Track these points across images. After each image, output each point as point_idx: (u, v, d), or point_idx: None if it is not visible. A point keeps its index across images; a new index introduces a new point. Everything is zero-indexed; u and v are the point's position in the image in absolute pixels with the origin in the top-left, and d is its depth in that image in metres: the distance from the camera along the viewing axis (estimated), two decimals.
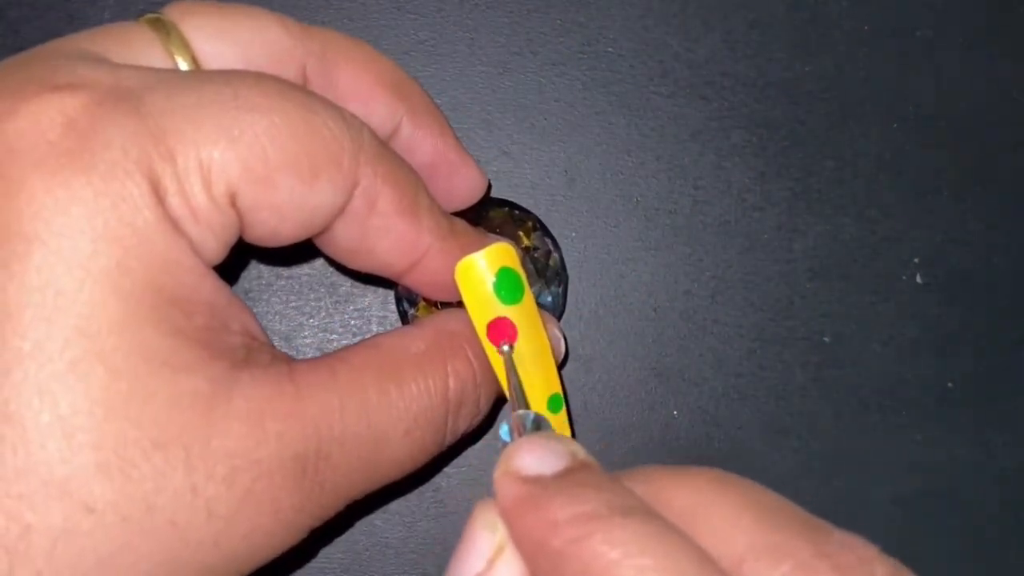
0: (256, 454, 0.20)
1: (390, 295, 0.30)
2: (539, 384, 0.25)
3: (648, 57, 0.31)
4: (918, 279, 0.31)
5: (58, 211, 0.18)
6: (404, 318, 0.29)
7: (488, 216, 0.28)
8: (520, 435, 0.21)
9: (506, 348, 0.24)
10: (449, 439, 0.24)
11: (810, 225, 0.31)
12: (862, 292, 0.31)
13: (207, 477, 0.19)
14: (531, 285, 0.25)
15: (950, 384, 0.31)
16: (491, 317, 0.24)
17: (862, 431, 0.30)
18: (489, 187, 0.27)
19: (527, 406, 0.23)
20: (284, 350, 0.29)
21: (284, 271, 0.30)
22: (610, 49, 0.31)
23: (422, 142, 0.25)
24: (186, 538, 0.19)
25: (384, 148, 0.23)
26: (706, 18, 0.31)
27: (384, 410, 0.22)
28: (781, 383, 0.30)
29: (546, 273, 0.29)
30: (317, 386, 0.21)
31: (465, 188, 0.27)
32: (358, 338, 0.30)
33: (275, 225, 0.21)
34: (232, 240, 0.21)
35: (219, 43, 0.23)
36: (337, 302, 0.30)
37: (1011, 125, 0.31)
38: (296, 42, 0.23)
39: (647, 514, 0.17)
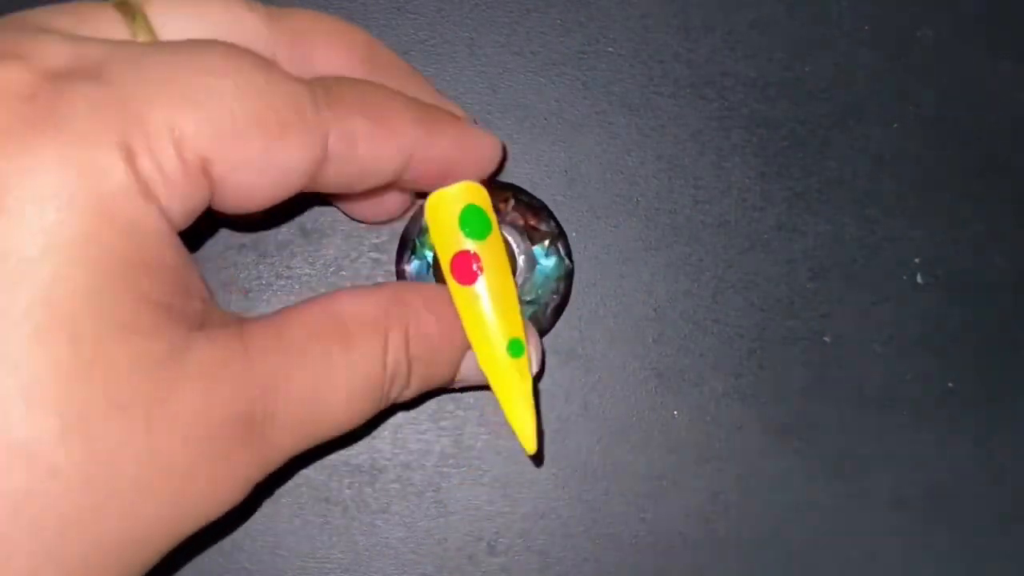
0: (209, 412, 0.20)
1: None
2: (501, 326, 0.25)
3: (648, 57, 0.31)
4: (918, 279, 0.31)
5: (22, 180, 0.18)
6: None
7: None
8: None
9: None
10: (383, 405, 0.24)
11: (810, 225, 0.31)
12: (862, 292, 0.31)
13: (166, 436, 0.20)
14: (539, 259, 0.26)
15: (950, 384, 0.31)
16: (455, 250, 0.24)
17: (862, 431, 0.30)
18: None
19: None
20: None
21: (284, 271, 0.30)
22: (610, 49, 0.31)
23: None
24: (146, 496, 0.20)
25: (339, 83, 0.23)
26: (706, 18, 0.31)
27: (327, 372, 0.23)
28: (781, 383, 0.30)
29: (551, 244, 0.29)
30: (265, 347, 0.22)
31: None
32: None
33: (250, 185, 0.21)
34: (200, 206, 0.21)
35: (185, 28, 0.23)
36: None
37: (1011, 125, 0.31)
38: (265, 27, 0.24)
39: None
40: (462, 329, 0.25)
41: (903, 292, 0.31)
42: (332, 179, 0.23)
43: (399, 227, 0.29)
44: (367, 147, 0.23)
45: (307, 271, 0.30)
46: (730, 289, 0.30)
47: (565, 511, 0.30)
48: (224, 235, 0.30)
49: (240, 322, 0.22)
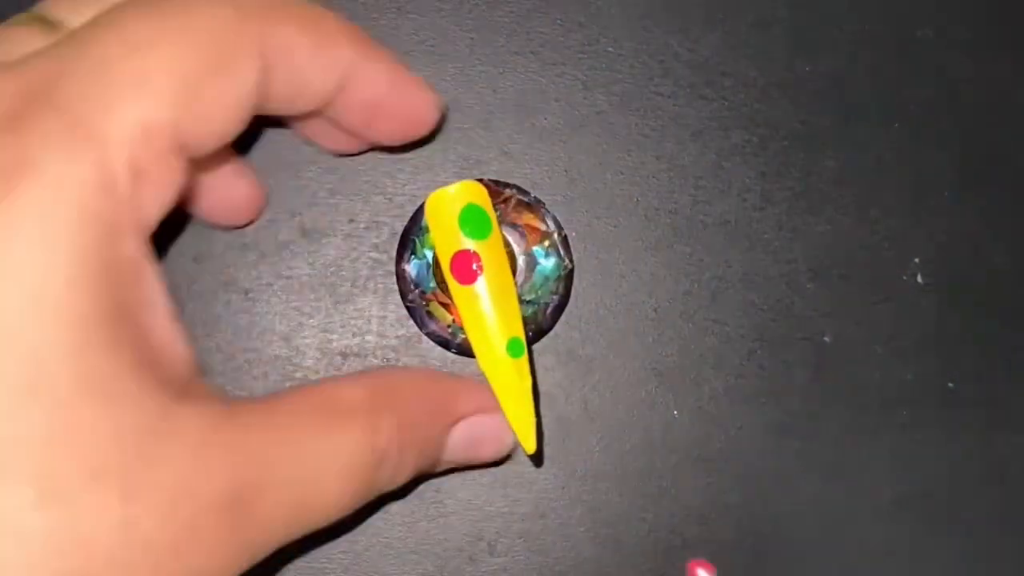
0: (194, 486, 0.19)
1: (390, 295, 0.30)
2: (501, 325, 0.25)
3: (648, 57, 0.31)
4: (918, 279, 0.31)
5: (4, 238, 0.18)
6: (412, 313, 0.29)
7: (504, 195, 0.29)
8: None
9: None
10: (374, 493, 0.24)
11: (810, 225, 0.31)
12: (862, 292, 0.31)
13: (145, 509, 0.19)
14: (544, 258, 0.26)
15: (950, 384, 0.31)
16: (455, 250, 0.24)
17: (862, 431, 0.30)
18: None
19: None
20: (284, 350, 0.30)
21: (284, 271, 0.30)
22: (610, 49, 0.31)
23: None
24: (122, 571, 0.19)
25: (273, 2, 0.23)
26: (706, 18, 0.31)
27: (317, 453, 0.22)
28: (781, 383, 0.30)
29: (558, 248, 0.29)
30: (256, 423, 0.21)
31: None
32: (358, 338, 0.30)
33: (215, 129, 0.21)
34: (183, 177, 0.21)
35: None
36: (337, 302, 0.30)
37: (1011, 125, 0.31)
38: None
39: None
40: (448, 408, 0.25)
41: (903, 292, 0.31)
42: (276, 93, 0.23)
43: (399, 227, 0.29)
44: (304, 56, 0.23)
45: (307, 271, 0.30)
46: (730, 289, 0.30)
47: (565, 511, 0.30)
48: (224, 235, 0.30)
49: (225, 396, 0.22)
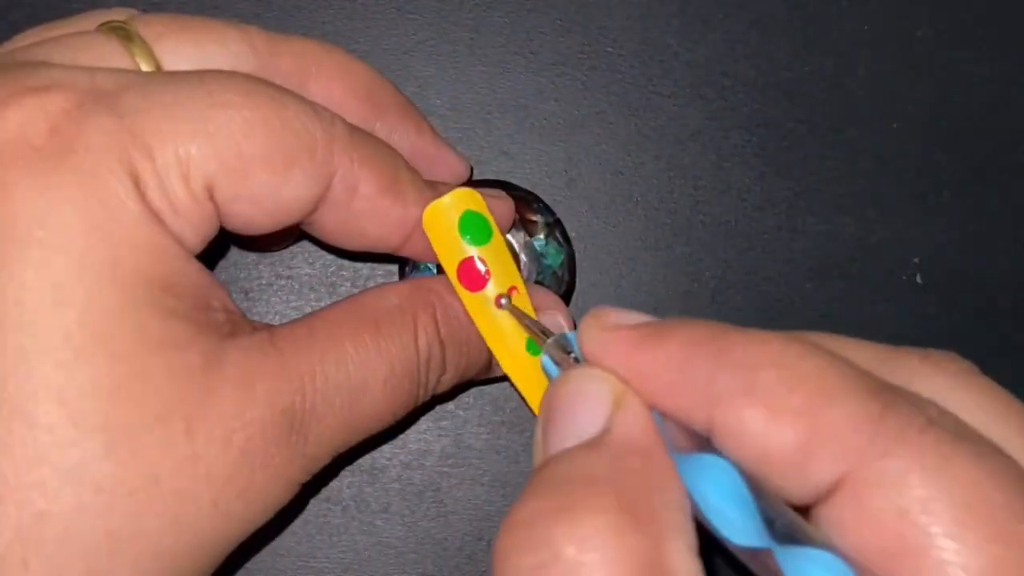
0: (248, 415, 0.21)
1: None
2: (514, 328, 0.25)
3: (648, 57, 0.31)
4: (918, 279, 0.31)
5: (51, 212, 0.19)
6: None
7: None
8: (566, 354, 0.21)
9: (504, 301, 0.25)
10: (422, 394, 0.25)
11: (810, 225, 0.31)
12: (862, 292, 0.31)
13: (206, 442, 0.20)
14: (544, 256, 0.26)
15: None
16: (460, 259, 0.25)
17: None
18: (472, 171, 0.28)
19: (547, 332, 0.23)
20: None
21: (284, 271, 0.30)
22: (610, 49, 0.31)
23: (399, 143, 0.26)
24: (188, 502, 0.20)
25: (358, 134, 0.23)
26: (706, 18, 0.31)
27: (361, 360, 0.23)
28: None
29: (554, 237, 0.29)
30: (297, 345, 0.22)
31: (447, 177, 0.27)
32: None
33: (252, 215, 0.22)
34: (212, 232, 0.22)
35: (181, 57, 0.23)
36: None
37: (1011, 125, 0.31)
38: (261, 62, 0.24)
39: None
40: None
41: (903, 292, 0.31)
42: (327, 222, 0.24)
43: None
44: (367, 203, 0.23)
45: (307, 271, 0.30)
46: (730, 289, 0.30)
47: None
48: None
49: (270, 327, 0.23)
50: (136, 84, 0.21)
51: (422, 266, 0.28)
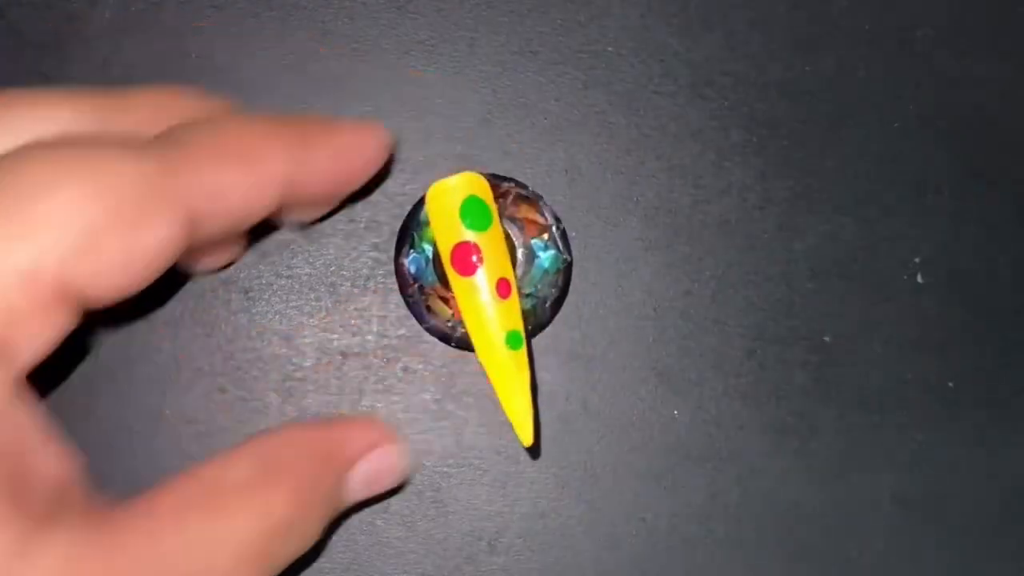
0: None
1: (390, 295, 0.30)
2: (500, 317, 0.25)
3: (648, 57, 0.31)
4: (918, 279, 0.31)
5: None
6: (411, 307, 0.29)
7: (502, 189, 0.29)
8: None
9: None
10: (279, 564, 0.23)
11: (810, 225, 0.31)
12: (862, 292, 0.31)
13: None
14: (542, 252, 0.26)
15: (950, 384, 0.31)
16: (455, 241, 0.24)
17: (862, 431, 0.30)
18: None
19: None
20: (284, 350, 0.29)
21: (284, 271, 0.30)
22: (610, 49, 0.31)
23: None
24: None
25: (192, 133, 0.22)
26: (706, 18, 0.31)
27: (206, 541, 0.21)
28: (781, 383, 0.30)
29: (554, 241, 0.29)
30: (135, 530, 0.20)
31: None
32: (358, 338, 0.30)
33: (116, 283, 0.21)
34: (69, 322, 0.21)
35: (5, 135, 0.22)
36: (337, 302, 0.30)
37: (1011, 125, 0.31)
38: (75, 116, 0.22)
39: None
40: (340, 457, 0.25)
41: (903, 292, 0.31)
42: (212, 231, 0.22)
43: (399, 226, 0.29)
44: (237, 192, 0.22)
45: (307, 271, 0.30)
46: (730, 289, 0.30)
47: (565, 511, 0.30)
48: None
49: (107, 503, 0.21)
50: None
51: (419, 248, 0.28)
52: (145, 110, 0.23)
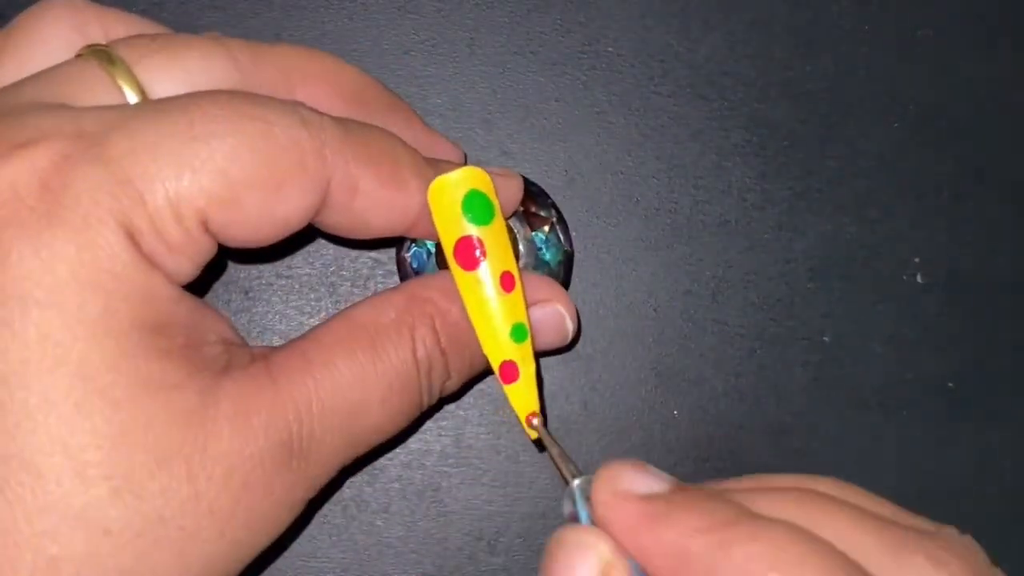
0: (246, 450, 0.21)
1: None
2: (504, 311, 0.25)
3: (648, 57, 0.31)
4: (918, 279, 0.31)
5: (46, 271, 0.20)
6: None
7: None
8: (584, 499, 0.22)
9: (536, 422, 0.25)
10: (427, 401, 0.25)
11: (810, 225, 0.31)
12: (862, 292, 0.31)
13: (207, 481, 0.21)
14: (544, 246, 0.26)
15: (950, 384, 0.31)
16: (458, 236, 0.25)
17: (862, 431, 0.30)
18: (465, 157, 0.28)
19: (576, 471, 0.23)
20: None
21: (284, 271, 0.30)
22: (610, 49, 0.31)
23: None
24: (194, 537, 0.21)
25: (352, 131, 0.23)
26: (706, 18, 0.31)
27: (357, 382, 0.23)
28: (781, 383, 0.30)
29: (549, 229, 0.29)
30: (292, 373, 0.23)
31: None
32: None
33: (250, 235, 0.23)
34: (208, 257, 0.23)
35: (166, 78, 0.23)
36: (337, 302, 0.30)
37: (1011, 125, 0.31)
38: (245, 75, 0.24)
39: (779, 520, 0.19)
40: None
41: (903, 292, 0.31)
42: (331, 223, 0.24)
43: None
44: (369, 199, 0.23)
45: (307, 271, 0.30)
46: (730, 289, 0.30)
47: None
48: None
49: (266, 354, 0.23)
50: (120, 124, 0.21)
51: (420, 242, 0.28)
52: (278, 66, 0.25)
